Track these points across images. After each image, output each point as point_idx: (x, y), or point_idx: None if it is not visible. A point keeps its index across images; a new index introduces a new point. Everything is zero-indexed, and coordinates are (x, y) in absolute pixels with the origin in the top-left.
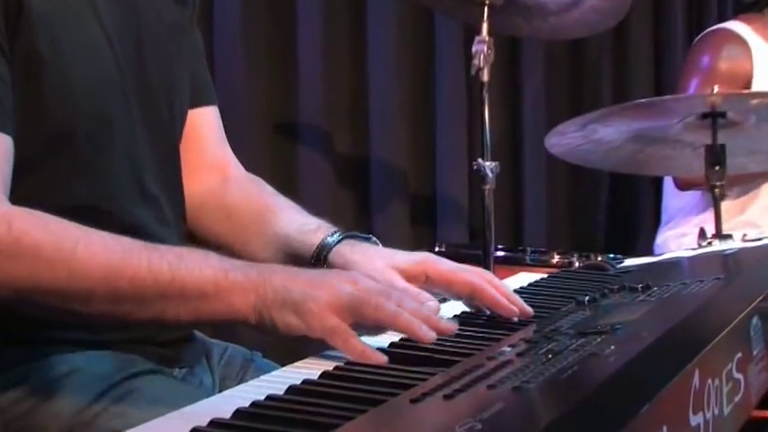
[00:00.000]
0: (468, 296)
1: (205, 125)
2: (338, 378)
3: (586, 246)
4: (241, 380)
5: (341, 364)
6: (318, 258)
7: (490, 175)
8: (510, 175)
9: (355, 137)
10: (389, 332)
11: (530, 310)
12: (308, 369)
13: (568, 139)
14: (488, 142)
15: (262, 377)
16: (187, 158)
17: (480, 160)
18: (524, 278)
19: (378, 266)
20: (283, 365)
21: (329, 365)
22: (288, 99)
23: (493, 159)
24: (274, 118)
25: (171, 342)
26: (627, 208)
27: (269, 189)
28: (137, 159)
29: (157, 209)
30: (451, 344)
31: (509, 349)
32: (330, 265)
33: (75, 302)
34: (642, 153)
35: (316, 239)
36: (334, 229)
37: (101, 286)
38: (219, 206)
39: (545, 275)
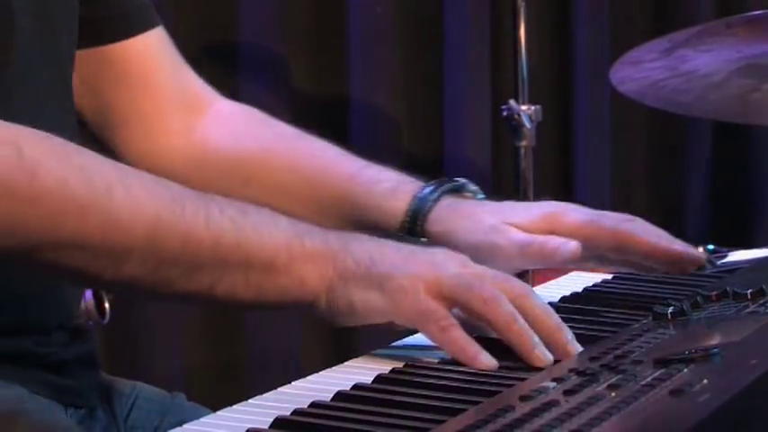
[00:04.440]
0: (616, 252)
1: (155, 54)
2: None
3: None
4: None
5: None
6: (412, 229)
7: (528, 125)
8: (557, 127)
9: (320, 64)
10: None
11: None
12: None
13: (646, 72)
14: (525, 75)
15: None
16: (145, 108)
17: (512, 103)
18: (577, 280)
19: (489, 225)
20: (215, 409)
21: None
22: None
23: (532, 102)
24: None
25: (65, 366)
26: (734, 175)
27: (285, 129)
28: (38, 100)
29: None
30: (467, 376)
31: (552, 384)
32: (428, 237)
33: (102, 265)
34: (757, 92)
35: (401, 202)
36: (421, 183)
37: (143, 245)
38: (231, 166)
39: (608, 276)
